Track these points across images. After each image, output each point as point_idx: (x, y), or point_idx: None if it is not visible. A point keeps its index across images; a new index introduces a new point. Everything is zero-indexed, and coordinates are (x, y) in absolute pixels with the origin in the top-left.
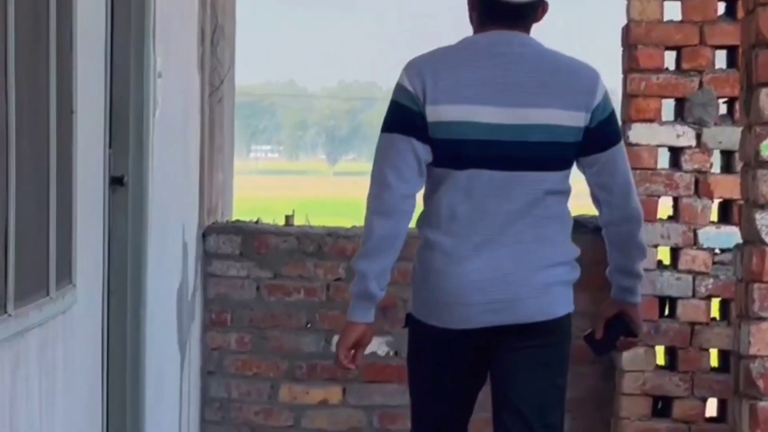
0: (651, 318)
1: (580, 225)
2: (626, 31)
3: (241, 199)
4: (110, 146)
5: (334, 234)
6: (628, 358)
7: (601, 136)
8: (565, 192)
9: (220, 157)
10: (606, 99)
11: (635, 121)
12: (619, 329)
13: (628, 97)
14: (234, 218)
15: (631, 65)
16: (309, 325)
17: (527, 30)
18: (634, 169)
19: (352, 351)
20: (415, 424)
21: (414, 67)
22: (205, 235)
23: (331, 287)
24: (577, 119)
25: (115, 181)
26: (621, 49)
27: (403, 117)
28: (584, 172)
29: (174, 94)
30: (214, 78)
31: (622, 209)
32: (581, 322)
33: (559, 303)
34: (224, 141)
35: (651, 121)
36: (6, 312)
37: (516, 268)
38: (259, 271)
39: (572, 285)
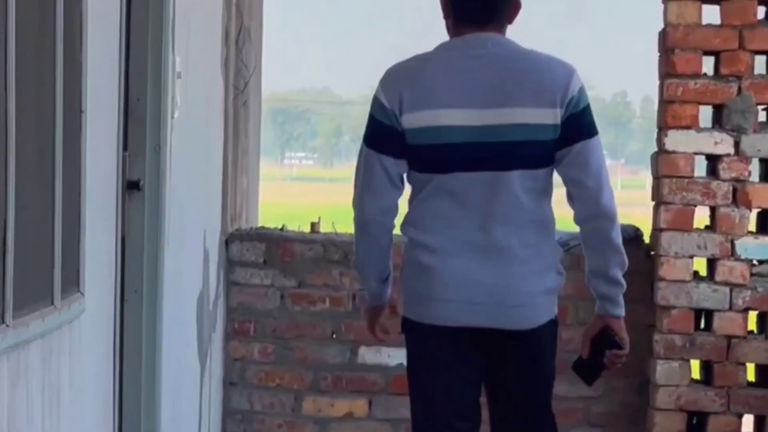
0: (686, 331)
1: None
2: (663, 35)
3: (275, 205)
4: (126, 149)
5: None
6: (662, 372)
7: (571, 128)
8: (548, 191)
9: (245, 162)
10: (581, 93)
11: (672, 127)
12: (606, 344)
13: (664, 103)
14: (261, 225)
15: (668, 70)
16: (334, 336)
17: (501, 30)
18: (670, 177)
19: (379, 325)
20: (414, 427)
21: (389, 79)
22: (228, 241)
23: (357, 296)
24: (554, 116)
25: (131, 185)
26: (657, 53)
27: (377, 133)
28: (557, 169)
29: (195, 96)
30: (239, 80)
31: (593, 205)
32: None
33: (543, 311)
34: (250, 145)
35: (688, 127)
36: (3, 322)
37: (504, 273)
38: (283, 279)
39: (557, 292)
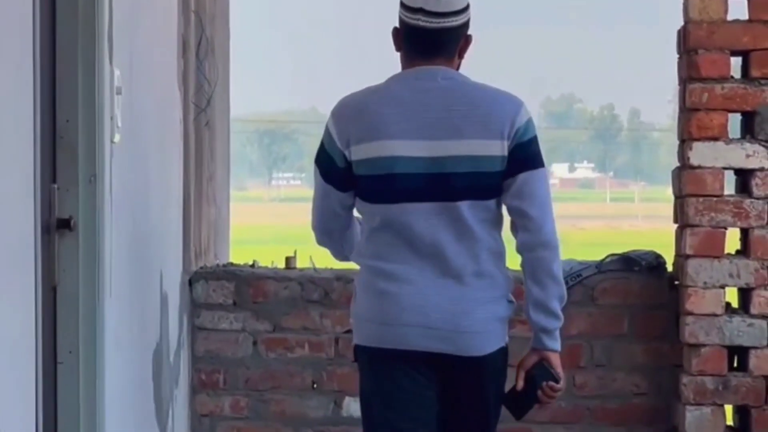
0: (719, 372)
1: (633, 262)
2: (684, 33)
3: (262, 227)
4: (54, 180)
5: (342, 278)
6: (692, 419)
7: (517, 158)
8: (499, 221)
9: (211, 190)
10: (528, 125)
11: (697, 139)
12: (541, 377)
13: (687, 111)
14: (232, 258)
15: (690, 74)
16: (315, 386)
17: (451, 63)
18: (696, 195)
19: None
20: None
21: (339, 111)
22: (191, 281)
23: (341, 341)
24: (501, 148)
25: (62, 224)
26: (677, 55)
27: (326, 163)
28: (503, 199)
29: (143, 115)
30: (200, 97)
31: (536, 234)
32: (633, 377)
33: (494, 339)
34: (217, 170)
35: (715, 139)
36: None
37: (458, 299)
38: (255, 322)
39: (507, 321)
